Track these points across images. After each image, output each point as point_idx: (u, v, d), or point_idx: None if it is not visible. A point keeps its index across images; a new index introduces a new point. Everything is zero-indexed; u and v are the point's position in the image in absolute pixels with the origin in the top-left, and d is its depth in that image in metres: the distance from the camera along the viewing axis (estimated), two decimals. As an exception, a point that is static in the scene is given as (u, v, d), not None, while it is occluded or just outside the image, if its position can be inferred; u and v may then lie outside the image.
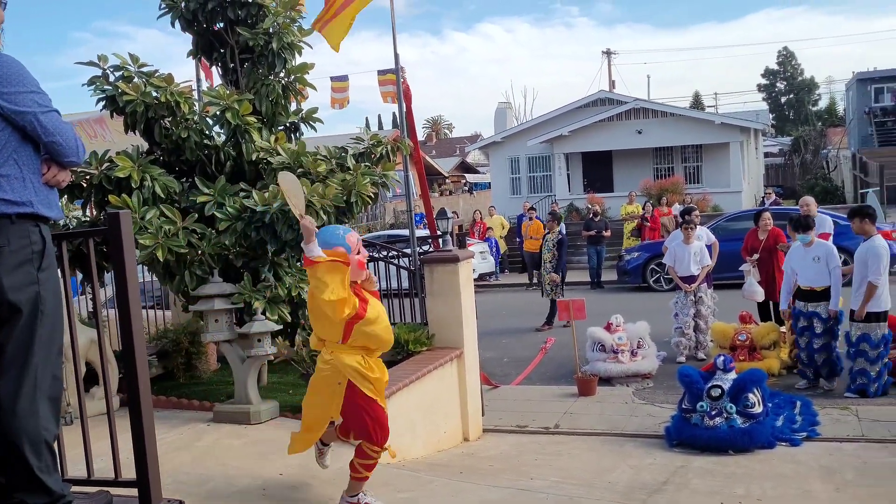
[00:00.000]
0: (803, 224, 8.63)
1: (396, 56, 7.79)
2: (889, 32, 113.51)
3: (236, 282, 6.42)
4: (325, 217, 6.11)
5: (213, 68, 7.72)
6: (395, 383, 6.40)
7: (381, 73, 8.09)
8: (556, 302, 12.42)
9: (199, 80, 8.65)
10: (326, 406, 4.58)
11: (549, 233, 13.26)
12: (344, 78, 8.39)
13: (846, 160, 34.97)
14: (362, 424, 4.56)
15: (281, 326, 6.44)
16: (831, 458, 6.22)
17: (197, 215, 6.36)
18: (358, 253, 4.46)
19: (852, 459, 6.15)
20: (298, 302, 6.72)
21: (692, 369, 7.35)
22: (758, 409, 6.74)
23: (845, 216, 9.94)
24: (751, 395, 6.77)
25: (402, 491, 5.26)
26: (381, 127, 68.13)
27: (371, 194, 6.40)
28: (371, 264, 8.17)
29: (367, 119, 79.03)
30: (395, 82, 8.44)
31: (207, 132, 6.82)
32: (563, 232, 13.82)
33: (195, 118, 6.67)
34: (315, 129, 7.61)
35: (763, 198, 23.13)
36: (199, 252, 6.28)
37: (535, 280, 19.63)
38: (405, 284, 8.37)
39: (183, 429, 6.03)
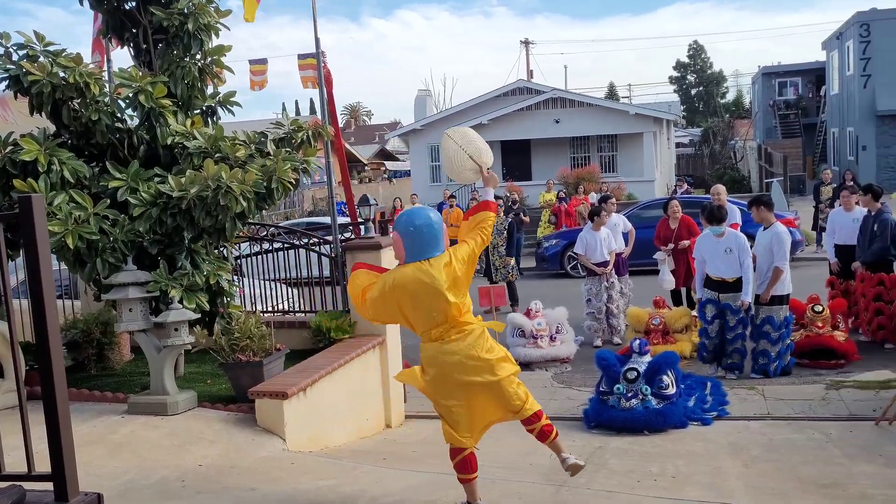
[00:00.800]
0: (717, 216, 8.59)
1: (317, 40, 7.69)
2: (792, 28, 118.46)
3: (151, 269, 6.24)
4: (244, 203, 5.99)
5: (125, 49, 7.45)
6: (317, 371, 6.36)
7: (301, 57, 7.95)
8: (513, 283, 12.72)
9: (109, 60, 8.34)
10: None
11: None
12: (263, 61, 8.22)
13: (752, 151, 36.32)
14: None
15: (199, 315, 6.30)
16: (739, 436, 6.48)
17: (109, 201, 6.14)
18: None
19: (759, 437, 6.43)
20: (217, 290, 6.57)
21: (609, 353, 7.54)
22: (671, 390, 6.97)
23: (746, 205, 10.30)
24: (665, 377, 7.00)
25: (324, 479, 5.24)
26: (298, 113, 67.19)
27: (292, 180, 6.30)
28: (291, 252, 8.10)
29: (283, 104, 77.91)
30: (315, 67, 8.32)
31: (119, 115, 6.59)
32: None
33: (106, 100, 6.43)
34: (233, 114, 7.43)
35: (675, 187, 23.82)
36: (112, 239, 6.08)
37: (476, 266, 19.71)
38: (326, 272, 8.30)
39: (95, 421, 5.84)
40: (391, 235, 4.46)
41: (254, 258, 8.27)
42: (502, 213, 13.26)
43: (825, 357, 8.67)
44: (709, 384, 7.93)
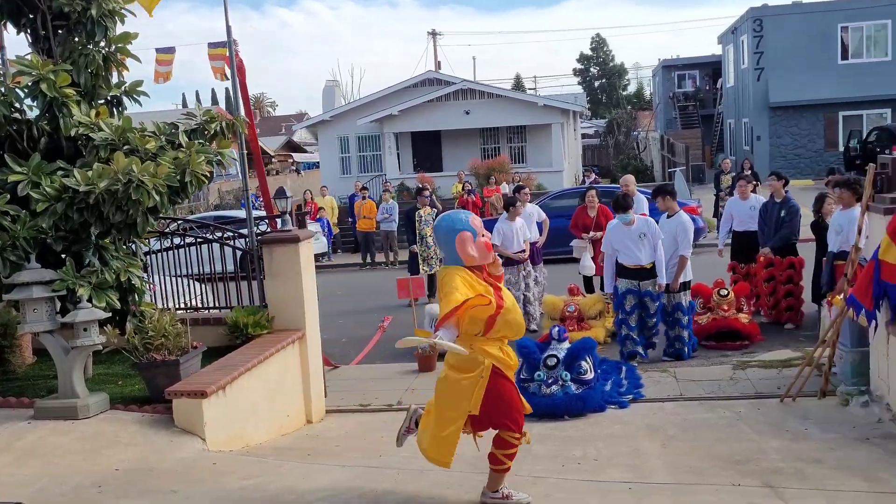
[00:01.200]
0: (622, 204, 8.66)
1: (228, 28, 7.44)
2: (691, 22, 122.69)
3: (56, 267, 5.96)
4: (157, 197, 5.79)
5: (21, 35, 7.06)
6: (236, 368, 6.21)
7: (212, 46, 7.70)
8: (434, 276, 12.70)
9: (2, 48, 7.88)
10: (464, 403, 4.38)
11: (419, 208, 13.24)
12: (170, 50, 7.90)
13: (655, 141, 37.46)
14: (504, 412, 4.44)
15: (109, 314, 6.06)
16: (655, 417, 6.69)
17: (9, 196, 5.82)
18: (483, 235, 4.35)
19: (674, 417, 6.65)
20: (128, 287, 6.33)
21: (529, 340, 7.63)
22: (590, 375, 7.12)
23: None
24: (583, 363, 7.15)
25: (248, 477, 5.13)
26: (198, 103, 65.27)
27: (207, 173, 6.12)
28: (205, 246, 7.87)
29: (183, 95, 75.36)
30: (224, 57, 8.09)
31: (17, 105, 6.26)
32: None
33: (3, 89, 6.10)
34: (140, 104, 7.15)
35: (584, 177, 24.34)
36: (13, 236, 5.77)
37: (373, 259, 19.64)
38: (231, 267, 8.10)
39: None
40: (464, 236, 4.27)
41: (164, 254, 7.98)
42: (429, 206, 13.24)
43: (731, 339, 9.06)
44: (624, 368, 8.15)
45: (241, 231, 7.95)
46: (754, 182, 10.22)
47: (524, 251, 10.61)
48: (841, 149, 29.08)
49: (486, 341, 4.37)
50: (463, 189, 21.24)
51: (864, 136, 27.01)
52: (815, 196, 9.85)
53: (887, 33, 29.39)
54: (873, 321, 6.21)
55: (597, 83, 66.91)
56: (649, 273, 8.46)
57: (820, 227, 9.18)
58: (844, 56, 29.86)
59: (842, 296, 6.84)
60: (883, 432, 5.74)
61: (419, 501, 4.50)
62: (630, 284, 8.51)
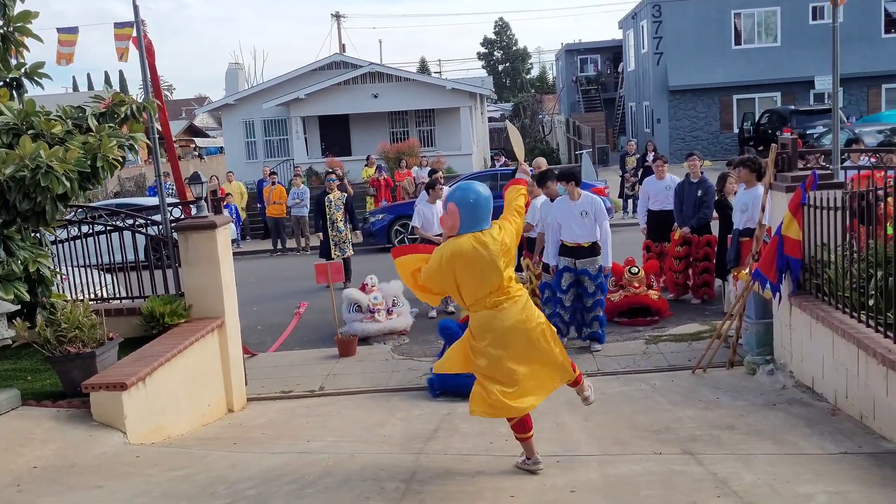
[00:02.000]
0: (570, 175, 8.33)
1: (136, 8, 7.16)
2: (592, 7, 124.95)
3: (-42, 259, 5.65)
4: (67, 184, 5.54)
5: None
6: (155, 359, 6.05)
7: (118, 26, 7.39)
8: (348, 259, 12.84)
9: None
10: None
11: (328, 192, 13.05)
12: (73, 30, 7.52)
13: (560, 124, 38.19)
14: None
15: (18, 306, 5.80)
16: (575, 392, 6.85)
17: None
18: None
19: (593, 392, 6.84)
20: (37, 278, 6.06)
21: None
22: (511, 354, 7.24)
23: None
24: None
25: (175, 469, 5.02)
26: (90, 88, 62.35)
27: (119, 158, 5.90)
28: (115, 234, 7.60)
29: (74, 78, 71.74)
30: (129, 37, 7.78)
31: None
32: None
33: None
34: (42, 86, 6.81)
35: (493, 160, 24.59)
36: None
37: (284, 245, 19.34)
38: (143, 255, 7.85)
39: None
40: (448, 207, 4.49)
41: (72, 243, 7.66)
42: (337, 189, 13.13)
43: (641, 314, 9.38)
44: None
45: (153, 218, 7.71)
46: (698, 159, 10.42)
47: (443, 234, 10.66)
48: (736, 130, 30.37)
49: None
50: (375, 171, 21.14)
51: (757, 119, 28.28)
52: (717, 176, 10.29)
53: (777, 20, 30.79)
54: (777, 293, 6.57)
55: (501, 67, 67.62)
56: (587, 252, 8.20)
57: (723, 206, 9.60)
58: (738, 41, 31.14)
59: (747, 270, 7.19)
60: (787, 398, 6.09)
61: (355, 484, 4.50)
62: (567, 262, 8.29)
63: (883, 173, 7.09)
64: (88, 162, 5.72)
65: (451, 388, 7.07)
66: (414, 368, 8.22)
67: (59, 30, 7.54)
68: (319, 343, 9.81)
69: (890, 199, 5.33)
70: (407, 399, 7.22)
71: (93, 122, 6.14)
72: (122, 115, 6.42)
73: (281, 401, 7.59)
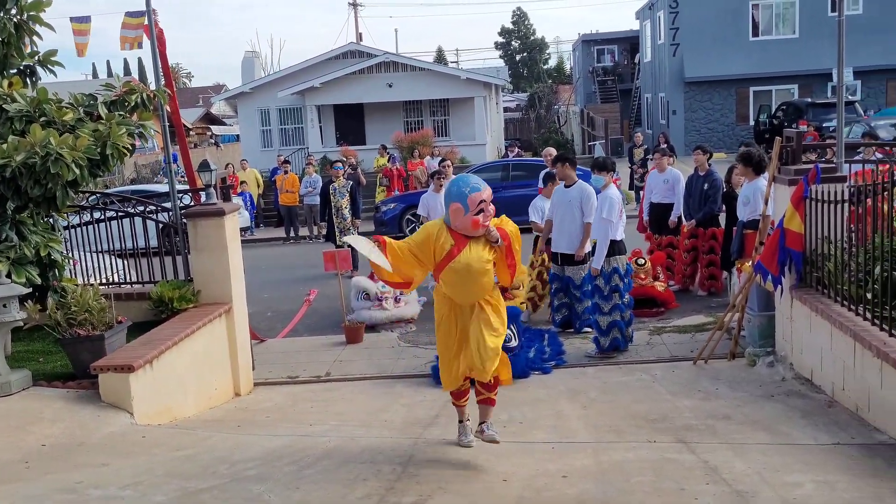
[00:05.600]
0: (562, 158, 8.43)
1: (147, -3, 7.28)
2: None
3: (-29, 243, 5.79)
4: (77, 171, 5.67)
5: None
6: (162, 342, 6.18)
7: (130, 15, 7.50)
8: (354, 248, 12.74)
9: None
10: None
11: (333, 180, 13.17)
12: (86, 19, 7.63)
13: (575, 115, 38.10)
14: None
15: (30, 289, 5.94)
16: (577, 382, 6.96)
17: (-81, 169, 5.62)
18: (478, 213, 4.45)
19: (594, 381, 6.93)
20: (48, 262, 6.20)
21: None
22: (514, 342, 7.34)
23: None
24: (508, 331, 7.32)
25: (179, 449, 5.15)
26: (109, 75, 62.73)
27: (128, 146, 6.02)
28: (127, 220, 7.73)
29: (93, 65, 72.19)
30: (140, 27, 7.90)
31: (-76, 74, 6.02)
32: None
33: None
34: (55, 74, 6.96)
35: (507, 150, 24.61)
36: (-76, 211, 5.58)
37: (296, 233, 19.48)
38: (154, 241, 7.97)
39: (-83, 408, 5.40)
40: (454, 206, 4.50)
41: (84, 228, 7.81)
42: (343, 177, 13.24)
43: (647, 306, 9.42)
44: (546, 336, 8.39)
45: (163, 205, 7.83)
46: (670, 155, 10.59)
47: (449, 223, 10.72)
48: (751, 123, 30.18)
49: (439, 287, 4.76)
50: (388, 160, 21.23)
51: (773, 111, 28.09)
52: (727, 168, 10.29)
53: (795, 11, 30.52)
54: (779, 286, 6.60)
55: (518, 57, 67.35)
56: (573, 259, 8.35)
57: (730, 198, 9.61)
58: (755, 33, 30.91)
59: (751, 263, 7.22)
60: (786, 390, 6.14)
61: (353, 466, 4.61)
62: (556, 269, 8.57)
63: (888, 167, 7.09)
64: (98, 149, 5.85)
65: (454, 375, 7.15)
66: (419, 356, 8.31)
67: (72, 19, 7.66)
68: (328, 330, 9.93)
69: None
70: (411, 386, 7.32)
71: (103, 111, 6.27)
72: (133, 104, 6.55)
73: (287, 386, 7.71)
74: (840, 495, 3.92)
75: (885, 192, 5.22)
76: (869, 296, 5.30)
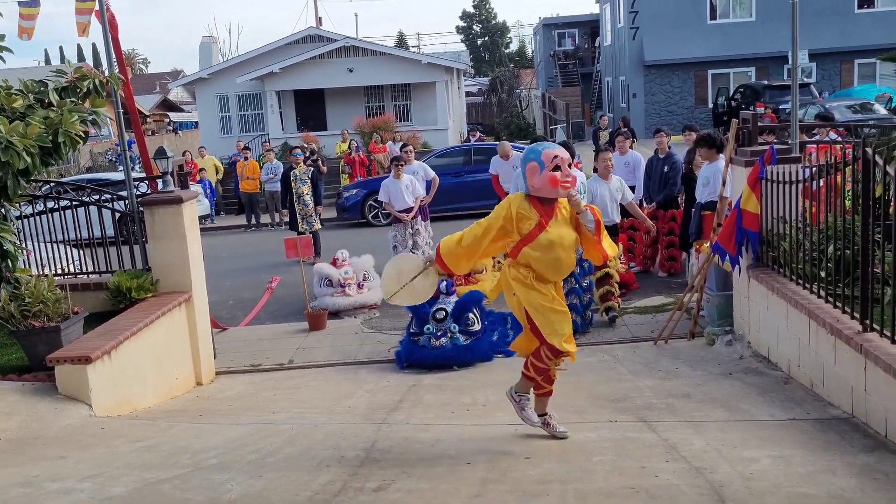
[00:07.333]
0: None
1: (98, -20, 7.12)
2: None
3: (-81, 234, 5.64)
4: (28, 159, 5.54)
5: None
6: (120, 333, 6.10)
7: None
8: (317, 234, 12.87)
9: None
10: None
11: (294, 167, 13.05)
12: (34, 3, 7.46)
13: (537, 99, 38.16)
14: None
15: (-19, 281, 5.80)
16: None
17: None
18: (555, 169, 4.26)
19: (556, 363, 6.97)
20: (1, 254, 6.06)
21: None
22: (477, 326, 7.38)
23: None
24: (471, 315, 7.39)
25: (139, 440, 5.09)
26: (62, 61, 61.31)
27: (81, 133, 5.89)
28: (82, 209, 7.57)
29: (46, 51, 70.41)
30: (91, 12, 7.72)
31: None
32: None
33: None
34: (3, 60, 6.75)
35: (469, 135, 24.59)
36: None
37: (258, 221, 19.29)
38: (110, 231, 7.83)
39: None
40: (531, 166, 4.34)
41: (37, 218, 7.64)
42: (303, 163, 13.15)
43: (609, 287, 9.50)
44: (510, 319, 8.39)
45: (119, 193, 7.69)
46: (632, 138, 10.68)
47: (412, 209, 10.73)
48: (710, 105, 30.51)
49: (513, 263, 4.52)
50: (349, 147, 21.09)
51: (731, 94, 28.42)
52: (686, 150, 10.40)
53: (751, -6, 30.87)
54: (736, 266, 6.70)
55: (479, 41, 67.19)
56: None
57: (689, 179, 9.72)
58: (713, 16, 31.19)
59: (709, 244, 7.32)
60: (743, 367, 6.25)
61: (316, 453, 4.59)
62: None
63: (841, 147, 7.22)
64: (49, 137, 5.72)
65: (418, 360, 7.19)
66: (383, 342, 8.31)
67: (19, 3, 7.46)
68: (290, 317, 9.88)
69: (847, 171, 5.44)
70: (375, 371, 7.32)
71: (54, 97, 6.12)
72: (85, 90, 6.40)
73: (249, 374, 7.66)
74: (795, 469, 4.00)
75: (838, 173, 5.32)
76: (823, 274, 5.41)
